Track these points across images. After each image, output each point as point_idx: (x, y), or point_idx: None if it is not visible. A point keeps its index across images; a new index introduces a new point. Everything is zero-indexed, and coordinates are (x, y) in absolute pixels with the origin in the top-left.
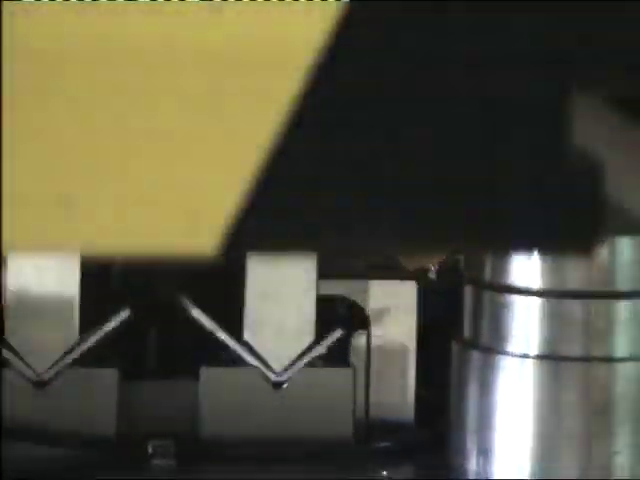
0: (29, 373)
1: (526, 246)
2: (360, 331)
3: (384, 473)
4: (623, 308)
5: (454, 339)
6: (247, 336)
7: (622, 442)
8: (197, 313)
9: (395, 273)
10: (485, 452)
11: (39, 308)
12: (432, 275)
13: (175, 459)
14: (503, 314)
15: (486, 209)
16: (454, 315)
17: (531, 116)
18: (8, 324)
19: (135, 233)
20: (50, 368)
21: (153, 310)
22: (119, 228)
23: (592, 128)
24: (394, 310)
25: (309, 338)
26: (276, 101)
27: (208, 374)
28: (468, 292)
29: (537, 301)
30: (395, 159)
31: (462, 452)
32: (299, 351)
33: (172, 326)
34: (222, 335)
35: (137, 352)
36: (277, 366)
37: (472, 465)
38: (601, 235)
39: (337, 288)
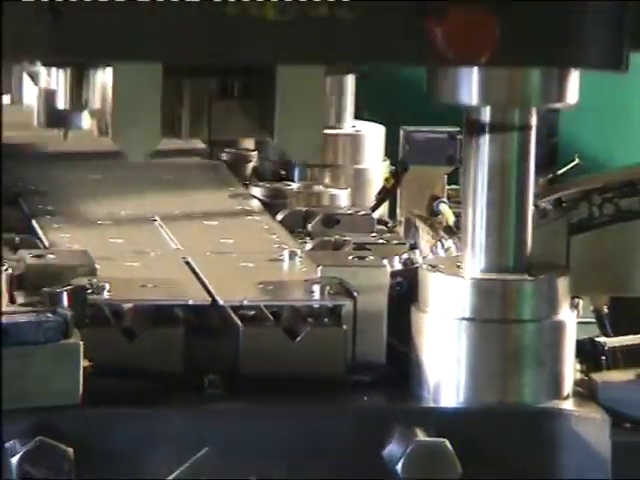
0: None
1: None
2: (349, 302)
3: (365, 398)
4: (529, 286)
5: (413, 306)
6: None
7: (529, 378)
8: None
9: (372, 262)
10: (435, 385)
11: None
12: (400, 264)
13: (222, 389)
14: (446, 290)
15: None
16: (414, 290)
17: None
18: None
19: None
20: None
21: None
22: None
23: None
24: (372, 288)
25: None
26: None
27: (245, 332)
28: (422, 274)
29: (468, 281)
30: None
31: (420, 384)
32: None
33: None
34: None
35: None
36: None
37: (426, 393)
38: None
39: (332, 272)
